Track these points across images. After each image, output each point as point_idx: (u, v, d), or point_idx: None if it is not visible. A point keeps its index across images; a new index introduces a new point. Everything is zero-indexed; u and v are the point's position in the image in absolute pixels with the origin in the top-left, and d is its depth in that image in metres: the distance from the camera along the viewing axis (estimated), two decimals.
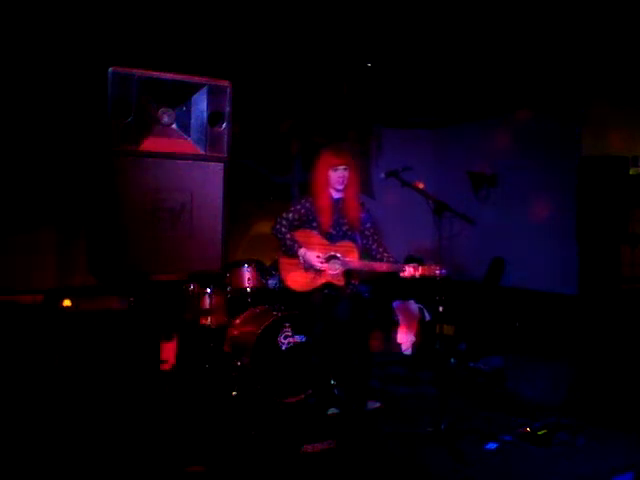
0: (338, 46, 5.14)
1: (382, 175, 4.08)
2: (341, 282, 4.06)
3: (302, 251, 4.03)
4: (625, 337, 4.94)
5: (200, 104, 2.84)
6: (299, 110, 6.46)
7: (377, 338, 5.55)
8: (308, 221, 4.15)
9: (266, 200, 6.44)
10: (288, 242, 4.05)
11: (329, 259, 4.06)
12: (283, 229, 4.08)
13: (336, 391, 4.29)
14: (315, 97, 6.25)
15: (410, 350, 5.72)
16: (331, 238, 4.15)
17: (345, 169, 4.10)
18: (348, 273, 4.12)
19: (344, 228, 4.17)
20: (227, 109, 2.87)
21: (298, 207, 4.15)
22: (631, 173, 5.55)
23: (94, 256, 2.97)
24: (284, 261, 4.16)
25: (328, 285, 4.06)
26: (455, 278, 5.42)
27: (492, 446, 3.64)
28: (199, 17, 4.48)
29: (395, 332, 5.82)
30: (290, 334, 4.34)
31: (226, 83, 2.87)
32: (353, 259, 4.07)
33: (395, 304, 5.94)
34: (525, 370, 4.78)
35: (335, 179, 4.11)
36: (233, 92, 2.88)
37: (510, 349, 5.38)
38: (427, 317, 5.80)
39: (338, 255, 4.07)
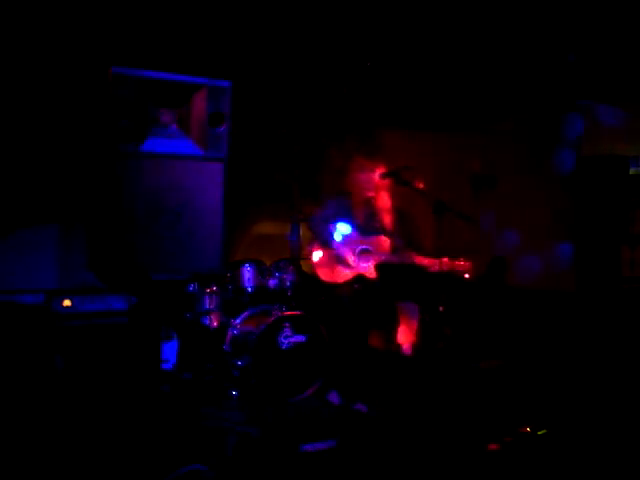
0: (338, 46, 5.14)
1: (381, 175, 4.09)
2: (373, 275, 4.09)
3: (337, 244, 4.04)
4: (625, 337, 4.94)
5: (200, 104, 2.84)
6: (299, 111, 6.46)
7: (377, 337, 5.55)
8: (341, 214, 4.16)
9: (266, 200, 6.43)
10: (325, 235, 4.05)
11: (361, 252, 4.08)
12: (320, 223, 4.10)
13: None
14: (315, 98, 6.24)
15: (410, 350, 5.71)
16: (364, 232, 4.17)
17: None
18: (380, 267, 4.15)
19: (376, 225, 4.20)
20: (227, 109, 2.87)
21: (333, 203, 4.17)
22: (631, 173, 5.55)
23: (95, 256, 2.97)
24: (317, 253, 4.16)
25: (359, 278, 4.07)
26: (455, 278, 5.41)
27: (491, 446, 3.64)
28: (199, 16, 4.49)
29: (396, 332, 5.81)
30: (290, 334, 4.35)
31: (226, 83, 2.87)
32: (385, 252, 4.11)
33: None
34: (525, 370, 4.78)
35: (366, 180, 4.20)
36: (235, 92, 2.89)
37: (510, 349, 5.38)
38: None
39: (370, 249, 4.08)
